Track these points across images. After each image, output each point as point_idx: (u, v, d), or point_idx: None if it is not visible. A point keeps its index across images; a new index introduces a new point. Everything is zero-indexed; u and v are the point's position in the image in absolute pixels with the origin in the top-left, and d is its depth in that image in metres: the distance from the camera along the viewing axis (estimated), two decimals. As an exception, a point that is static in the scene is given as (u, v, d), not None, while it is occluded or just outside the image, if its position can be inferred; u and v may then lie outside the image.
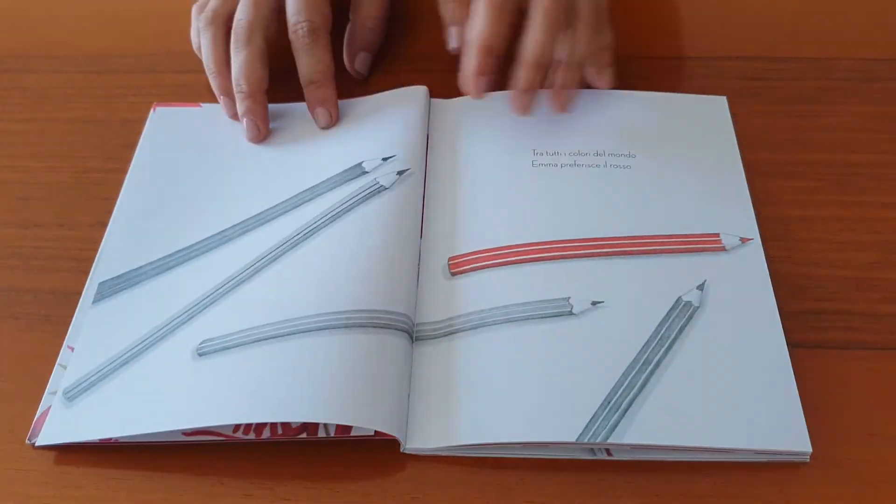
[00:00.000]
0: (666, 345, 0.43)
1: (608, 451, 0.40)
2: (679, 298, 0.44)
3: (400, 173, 0.50)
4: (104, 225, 0.50)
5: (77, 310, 0.46)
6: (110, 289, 0.47)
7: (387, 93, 0.56)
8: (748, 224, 0.48)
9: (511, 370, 0.42)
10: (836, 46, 0.57)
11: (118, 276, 0.47)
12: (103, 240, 0.49)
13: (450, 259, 0.47)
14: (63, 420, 0.42)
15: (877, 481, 0.39)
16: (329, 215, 0.48)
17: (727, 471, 0.40)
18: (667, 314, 0.44)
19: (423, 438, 0.41)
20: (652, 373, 0.42)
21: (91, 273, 0.48)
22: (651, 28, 0.61)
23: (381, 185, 0.49)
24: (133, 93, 0.58)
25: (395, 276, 0.45)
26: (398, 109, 0.54)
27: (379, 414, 0.40)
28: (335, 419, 0.40)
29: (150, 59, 0.61)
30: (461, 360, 0.43)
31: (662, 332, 0.43)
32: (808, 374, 0.42)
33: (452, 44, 0.54)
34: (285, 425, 0.41)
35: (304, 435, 0.41)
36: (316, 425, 0.41)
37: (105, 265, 0.48)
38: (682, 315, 0.44)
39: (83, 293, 0.47)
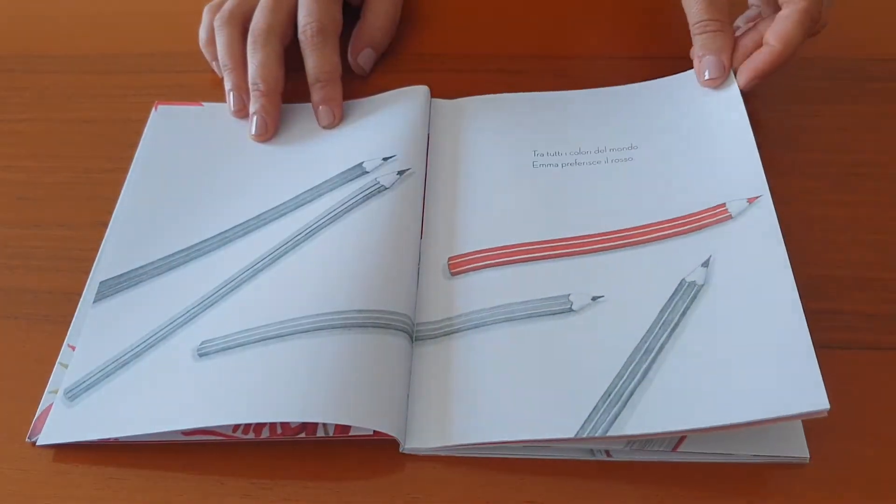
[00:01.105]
0: (668, 330, 0.42)
1: (608, 453, 0.40)
2: (682, 280, 0.43)
3: (400, 173, 0.50)
4: (104, 225, 0.50)
5: (78, 309, 0.46)
6: (111, 288, 0.47)
7: (387, 93, 0.56)
8: (756, 180, 0.46)
9: (510, 369, 0.42)
10: (837, 46, 0.57)
11: (119, 276, 0.47)
12: (104, 239, 0.49)
13: (450, 259, 0.47)
14: (64, 419, 0.42)
15: (878, 481, 0.39)
16: (329, 215, 0.48)
17: (727, 473, 0.40)
18: (669, 298, 0.43)
19: (423, 438, 0.41)
20: (654, 360, 0.41)
21: (92, 272, 0.48)
22: (652, 28, 0.61)
23: (382, 185, 0.49)
24: (133, 93, 0.58)
25: (396, 276, 0.45)
26: (399, 109, 0.54)
27: (378, 414, 0.40)
28: (334, 419, 0.39)
29: (150, 59, 0.61)
30: (460, 360, 0.43)
31: (665, 317, 0.42)
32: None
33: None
34: (285, 425, 0.41)
35: (303, 434, 0.41)
36: (315, 425, 0.41)
37: (106, 264, 0.48)
38: (685, 297, 0.43)
39: (84, 292, 0.47)
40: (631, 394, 0.40)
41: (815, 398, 0.37)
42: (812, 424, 0.40)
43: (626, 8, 0.63)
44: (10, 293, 0.48)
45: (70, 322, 0.46)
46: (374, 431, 0.40)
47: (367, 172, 0.50)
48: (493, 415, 0.41)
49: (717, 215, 0.45)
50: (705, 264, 0.43)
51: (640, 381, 0.40)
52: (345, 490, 0.40)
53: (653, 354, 0.41)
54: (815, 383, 0.37)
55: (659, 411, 0.39)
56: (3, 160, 0.55)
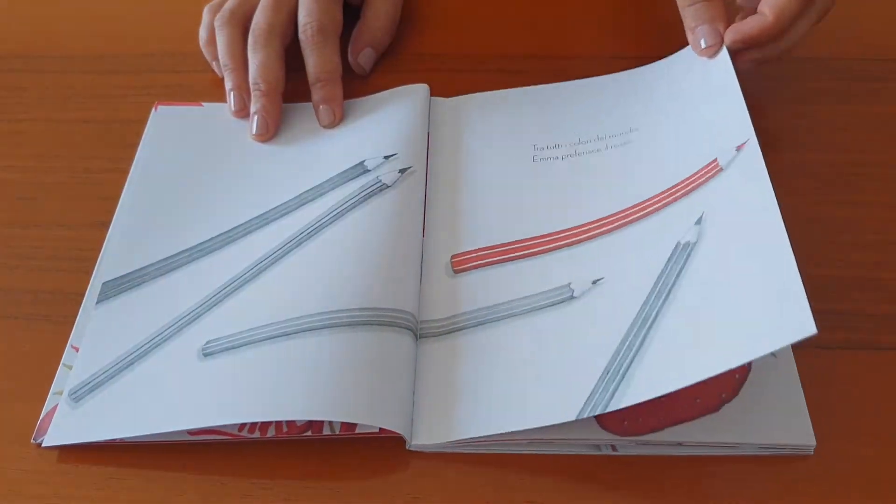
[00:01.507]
0: (664, 296, 0.41)
1: (613, 447, 0.40)
2: (677, 243, 0.42)
3: (402, 171, 0.50)
4: (104, 225, 0.50)
5: (81, 310, 0.46)
6: (114, 289, 0.46)
7: (388, 91, 0.56)
8: (742, 126, 0.44)
9: (514, 363, 0.42)
10: (837, 46, 0.57)
11: (122, 277, 0.47)
12: (106, 240, 0.49)
13: (452, 257, 0.47)
14: (69, 421, 0.42)
15: (878, 481, 0.39)
16: (332, 214, 0.48)
17: (731, 467, 0.40)
18: (665, 265, 0.42)
19: (428, 435, 0.41)
20: (650, 329, 0.40)
21: (94, 273, 0.48)
22: (650, 28, 0.61)
23: (384, 184, 0.49)
24: (133, 93, 0.58)
25: (399, 273, 0.45)
26: (399, 108, 0.54)
27: (384, 411, 0.40)
28: (340, 417, 0.40)
29: (150, 59, 0.60)
30: (464, 357, 0.43)
31: (660, 285, 0.41)
32: (808, 373, 0.42)
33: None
34: (290, 423, 0.41)
35: (308, 433, 0.41)
36: (321, 423, 0.41)
37: (108, 265, 0.48)
38: (680, 259, 0.41)
39: (86, 293, 0.47)
40: (629, 366, 0.39)
41: (802, 325, 0.34)
42: (814, 424, 0.40)
43: (625, 8, 0.63)
44: (10, 293, 0.48)
45: (70, 322, 0.46)
46: (380, 429, 0.40)
47: (369, 171, 0.50)
48: (496, 408, 0.41)
49: (709, 171, 0.44)
50: (698, 222, 0.42)
51: (636, 352, 0.39)
52: (347, 490, 0.40)
53: (649, 323, 0.40)
54: (801, 309, 0.35)
55: (655, 377, 0.38)
56: (3, 160, 0.55)
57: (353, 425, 0.40)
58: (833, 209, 0.49)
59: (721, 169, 0.44)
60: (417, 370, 0.43)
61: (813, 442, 0.39)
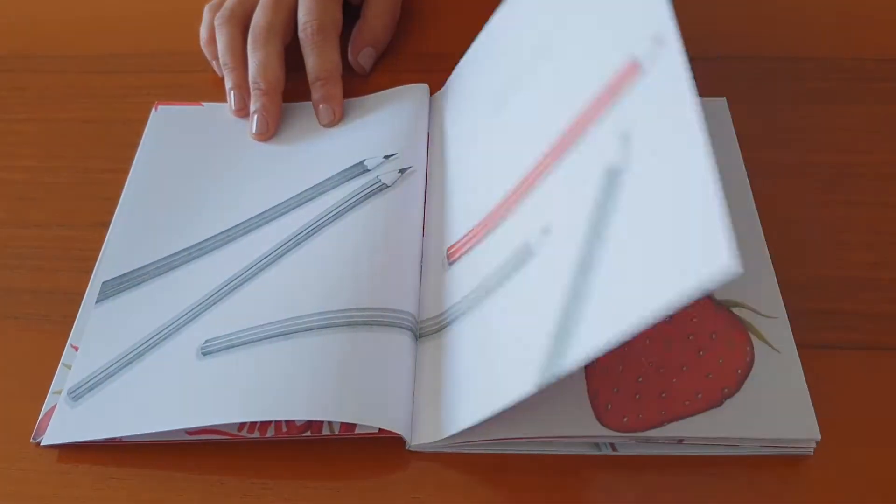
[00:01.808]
0: (598, 237, 0.35)
1: (613, 447, 0.40)
2: (607, 171, 0.36)
3: (402, 171, 0.50)
4: (105, 225, 0.50)
5: (80, 309, 0.46)
6: (113, 288, 0.46)
7: (388, 91, 0.56)
8: (659, 14, 0.35)
9: (487, 343, 0.41)
10: (837, 46, 0.57)
11: (121, 276, 0.47)
12: (106, 239, 0.49)
13: (448, 250, 0.47)
14: (68, 419, 0.42)
15: (878, 481, 0.39)
16: (331, 214, 0.48)
17: (731, 467, 0.40)
18: (595, 201, 0.36)
19: (428, 435, 0.41)
20: (588, 277, 0.35)
21: (94, 272, 0.48)
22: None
23: (384, 183, 0.49)
24: (133, 93, 0.58)
25: (398, 274, 0.45)
26: (399, 107, 0.54)
27: (383, 412, 0.40)
28: (339, 417, 0.40)
29: (150, 59, 0.61)
30: (451, 350, 0.43)
31: (595, 224, 0.35)
32: (807, 374, 0.42)
33: None
34: (290, 423, 0.41)
35: (308, 433, 0.41)
36: (320, 423, 0.41)
37: (108, 265, 0.48)
38: (610, 188, 0.35)
39: (86, 293, 0.47)
40: (577, 319, 0.34)
41: (725, 261, 0.28)
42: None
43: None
44: (10, 293, 0.48)
45: (70, 322, 0.46)
46: (380, 429, 0.40)
47: (369, 170, 0.50)
48: (478, 395, 0.40)
49: (629, 74, 0.36)
50: (622, 144, 0.35)
51: (578, 306, 0.35)
52: (345, 490, 0.40)
53: (586, 271, 0.35)
54: (719, 245, 0.29)
55: (594, 334, 0.33)
56: (3, 160, 0.55)
57: (353, 425, 0.40)
58: (833, 209, 0.49)
59: (641, 71, 0.36)
60: (417, 370, 0.43)
61: (817, 436, 0.39)
